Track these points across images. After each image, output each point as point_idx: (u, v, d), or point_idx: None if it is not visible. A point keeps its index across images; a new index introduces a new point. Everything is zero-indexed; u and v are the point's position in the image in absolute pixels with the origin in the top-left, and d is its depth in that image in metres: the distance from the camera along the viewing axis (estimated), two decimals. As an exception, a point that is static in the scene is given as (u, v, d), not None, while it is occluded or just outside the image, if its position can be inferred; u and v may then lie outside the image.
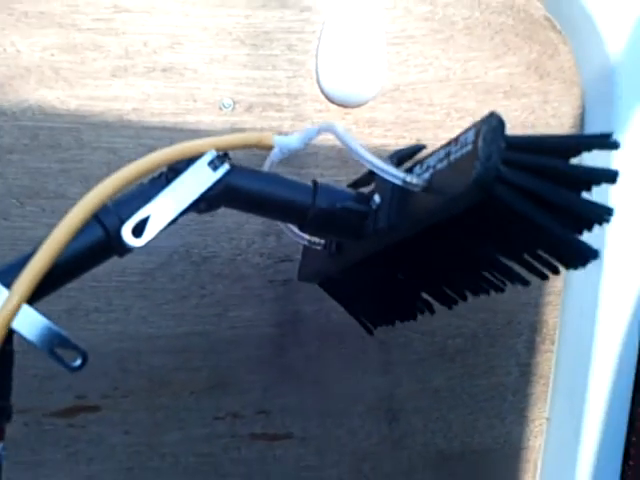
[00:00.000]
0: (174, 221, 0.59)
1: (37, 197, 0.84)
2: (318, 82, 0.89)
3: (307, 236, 0.74)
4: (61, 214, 0.82)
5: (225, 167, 0.60)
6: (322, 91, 0.89)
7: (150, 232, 0.57)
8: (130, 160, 0.81)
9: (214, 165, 0.59)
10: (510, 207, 0.49)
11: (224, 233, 0.89)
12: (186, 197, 0.58)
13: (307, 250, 0.83)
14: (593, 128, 0.97)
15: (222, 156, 0.61)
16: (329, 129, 0.61)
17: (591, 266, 0.90)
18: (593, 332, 0.97)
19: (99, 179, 0.83)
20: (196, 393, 0.91)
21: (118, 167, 0.77)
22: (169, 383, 0.90)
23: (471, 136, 0.52)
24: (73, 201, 0.79)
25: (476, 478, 1.03)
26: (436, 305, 0.72)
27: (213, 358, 0.91)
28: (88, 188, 0.80)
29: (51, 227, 0.83)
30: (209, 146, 0.60)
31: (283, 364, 0.94)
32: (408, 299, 0.73)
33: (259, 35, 0.87)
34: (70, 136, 0.84)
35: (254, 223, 0.89)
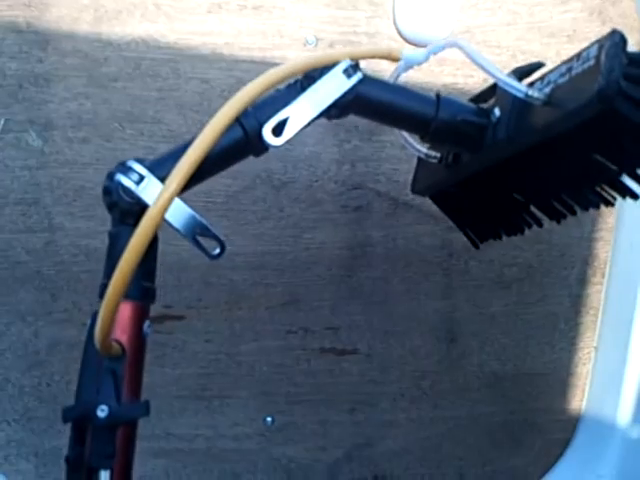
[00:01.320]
0: (309, 124, 0.66)
1: (137, 122, 0.97)
2: (394, 22, 1.01)
3: (425, 149, 0.80)
4: (157, 138, 0.97)
5: (358, 75, 0.66)
6: (398, 31, 1.01)
7: (288, 132, 0.65)
8: (222, 91, 0.96)
9: (348, 73, 0.65)
10: (629, 120, 0.54)
11: (303, 160, 1.02)
12: (322, 101, 0.65)
13: (422, 164, 0.89)
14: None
15: (355, 65, 0.67)
16: (455, 44, 0.68)
17: (641, 205, 1.04)
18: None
19: (193, 107, 0.98)
20: (271, 308, 1.05)
21: (210, 97, 0.92)
22: (247, 297, 1.04)
23: (594, 51, 0.56)
24: (168, 126, 0.95)
25: (527, 399, 1.16)
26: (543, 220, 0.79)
27: (288, 276, 1.05)
28: (183, 115, 0.95)
29: (149, 150, 0.98)
30: (344, 56, 0.66)
31: (352, 284, 1.07)
32: (518, 213, 0.79)
33: None
34: (168, 67, 0.97)
35: (330, 152, 1.02)
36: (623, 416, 1.12)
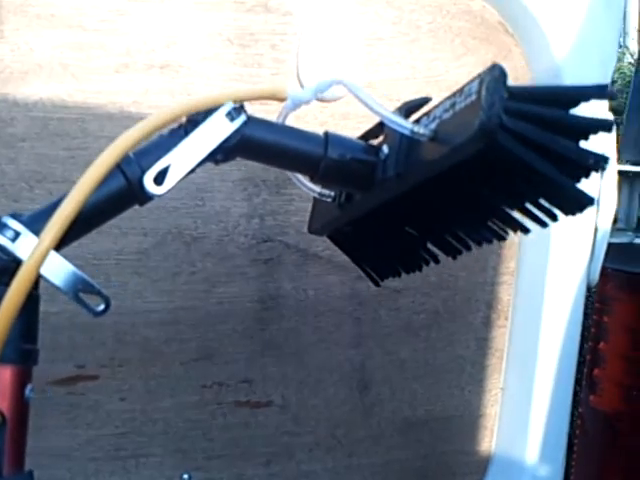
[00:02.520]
0: (193, 170, 0.66)
1: (45, 181, 1.01)
2: (298, 78, 1.08)
3: (318, 188, 0.82)
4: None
5: (242, 118, 0.67)
6: (302, 87, 1.11)
7: (171, 180, 0.64)
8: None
9: (231, 116, 0.66)
10: (512, 154, 0.56)
11: (213, 216, 1.08)
12: (204, 146, 0.65)
13: (317, 203, 0.93)
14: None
15: (239, 108, 0.67)
16: (340, 82, 0.72)
17: (540, 248, 1.17)
18: (542, 309, 1.20)
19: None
20: (185, 363, 1.10)
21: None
22: (161, 354, 1.09)
23: (475, 86, 0.58)
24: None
25: (439, 443, 1.24)
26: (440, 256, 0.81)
27: (201, 331, 1.10)
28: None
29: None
30: (227, 98, 0.67)
31: (265, 337, 1.13)
32: (414, 250, 0.81)
33: (246, 36, 1.06)
34: (77, 126, 1.01)
35: (240, 207, 1.08)
36: (531, 455, 1.22)
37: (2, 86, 1.00)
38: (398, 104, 0.76)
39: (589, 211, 1.10)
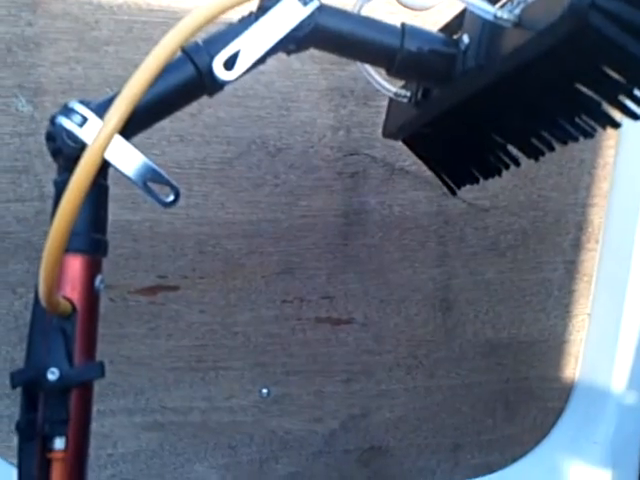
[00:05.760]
0: (263, 59, 0.64)
1: None
2: None
3: (393, 87, 0.81)
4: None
5: (315, 3, 0.65)
6: (395, -7, 1.11)
7: (241, 65, 0.62)
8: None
9: (304, 1, 0.64)
10: (605, 36, 0.53)
11: (298, 126, 1.09)
12: (276, 31, 0.63)
13: (392, 104, 0.92)
14: None
15: None
16: None
17: (635, 169, 1.15)
18: (634, 234, 1.19)
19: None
20: (266, 277, 1.13)
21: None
22: (242, 266, 1.11)
23: None
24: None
25: (521, 368, 1.25)
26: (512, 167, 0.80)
27: (283, 244, 1.12)
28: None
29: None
30: None
31: (347, 252, 1.15)
32: (494, 152, 0.79)
33: None
34: (161, 30, 1.02)
35: (326, 118, 1.09)
36: (617, 383, 1.22)
37: (87, -13, 1.00)
38: None
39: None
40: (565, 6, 0.53)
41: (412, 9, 1.11)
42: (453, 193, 0.93)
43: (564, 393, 1.27)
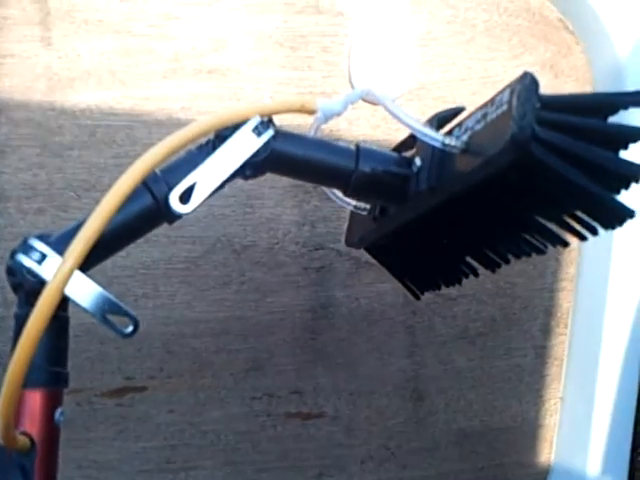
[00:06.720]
0: (220, 187, 0.67)
1: (93, 190, 1.04)
2: (350, 81, 1.10)
3: (353, 201, 0.83)
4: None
5: (269, 133, 0.67)
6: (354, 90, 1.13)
7: (197, 199, 0.65)
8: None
9: (258, 131, 0.66)
10: (546, 166, 0.55)
11: (263, 223, 1.10)
12: (231, 163, 0.66)
13: (353, 215, 0.94)
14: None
15: (266, 122, 0.67)
16: (369, 93, 0.73)
17: (602, 253, 1.17)
18: (603, 316, 1.20)
19: (151, 173, 1.07)
20: (235, 374, 1.13)
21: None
22: (210, 365, 1.12)
23: (506, 96, 0.57)
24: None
25: (496, 455, 1.25)
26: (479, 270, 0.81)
27: (251, 341, 1.12)
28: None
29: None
30: (253, 112, 0.67)
31: (316, 347, 1.15)
32: (452, 263, 0.81)
33: (296, 38, 1.08)
34: (124, 133, 1.05)
35: (290, 214, 1.11)
36: (592, 467, 1.22)
37: (50, 94, 1.03)
38: (453, 106, 0.76)
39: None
40: (507, 138, 0.55)
41: (374, 104, 1.13)
42: (417, 298, 0.95)
43: (540, 478, 1.27)
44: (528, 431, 1.28)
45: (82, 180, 1.05)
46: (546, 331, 1.25)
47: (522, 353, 1.25)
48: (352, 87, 1.11)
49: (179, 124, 1.05)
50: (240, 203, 1.09)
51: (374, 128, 1.12)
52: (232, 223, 1.10)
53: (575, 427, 1.26)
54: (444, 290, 0.95)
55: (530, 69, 1.16)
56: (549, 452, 1.28)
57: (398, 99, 1.14)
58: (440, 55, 1.15)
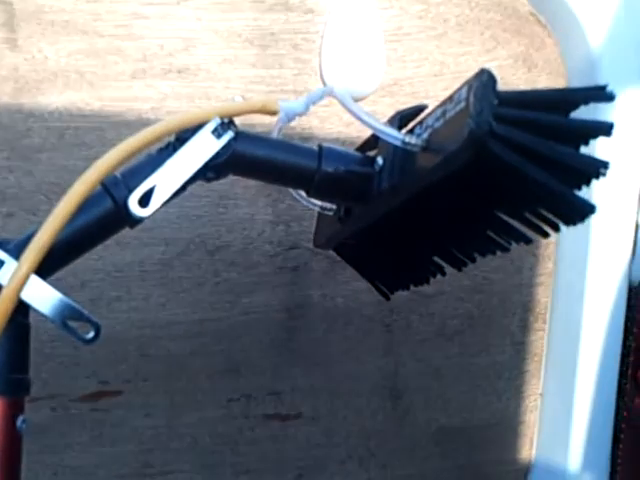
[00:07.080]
0: (181, 190, 0.66)
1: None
2: (322, 78, 1.09)
3: (318, 202, 0.83)
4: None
5: (229, 134, 0.66)
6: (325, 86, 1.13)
7: (156, 202, 0.64)
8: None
9: (218, 133, 0.66)
10: (504, 162, 0.55)
11: (237, 223, 1.09)
12: (190, 166, 0.65)
13: (320, 216, 0.94)
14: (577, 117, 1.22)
15: (227, 123, 0.67)
16: (331, 92, 0.73)
17: (579, 247, 1.16)
18: (582, 310, 1.19)
19: (121, 175, 1.06)
20: (211, 376, 1.12)
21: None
22: (186, 367, 1.11)
23: (464, 93, 0.58)
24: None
25: (476, 452, 1.25)
26: (437, 278, 0.83)
27: (227, 343, 1.12)
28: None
29: (77, 221, 1.05)
30: (213, 114, 0.66)
31: (292, 347, 1.15)
32: (419, 262, 0.82)
33: (266, 36, 1.08)
34: (94, 135, 1.03)
35: (264, 214, 1.10)
36: (573, 463, 1.22)
37: (17, 96, 1.01)
38: (426, 102, 0.74)
39: (630, 207, 1.10)
40: (465, 134, 0.55)
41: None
42: (387, 299, 0.95)
43: (521, 475, 1.27)
44: (508, 428, 1.28)
45: (52, 183, 1.03)
46: (524, 327, 1.25)
47: (501, 350, 1.25)
48: (324, 84, 1.10)
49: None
50: (213, 203, 1.08)
51: (347, 126, 1.11)
52: (205, 224, 1.09)
53: (555, 423, 1.26)
54: (421, 288, 0.95)
55: (503, 63, 1.17)
56: (530, 448, 1.28)
57: (371, 95, 1.13)
58: (412, 51, 1.14)
